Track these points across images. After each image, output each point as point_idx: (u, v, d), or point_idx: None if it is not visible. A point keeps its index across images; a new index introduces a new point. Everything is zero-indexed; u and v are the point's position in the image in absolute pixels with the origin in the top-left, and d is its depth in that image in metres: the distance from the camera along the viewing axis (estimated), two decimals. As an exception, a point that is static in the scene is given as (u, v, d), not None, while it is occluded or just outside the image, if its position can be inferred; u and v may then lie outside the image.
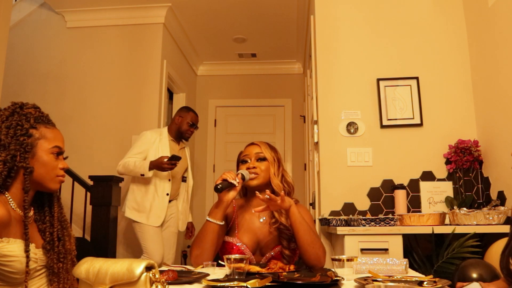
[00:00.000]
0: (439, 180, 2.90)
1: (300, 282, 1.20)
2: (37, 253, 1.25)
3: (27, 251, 1.18)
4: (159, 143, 3.30)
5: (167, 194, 3.25)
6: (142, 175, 3.17)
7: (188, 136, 3.44)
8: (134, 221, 3.27)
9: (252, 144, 1.87)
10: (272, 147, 1.87)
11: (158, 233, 3.25)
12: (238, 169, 1.84)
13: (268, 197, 1.59)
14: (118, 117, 4.22)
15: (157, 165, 3.10)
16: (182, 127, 3.40)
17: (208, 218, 1.66)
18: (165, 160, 3.07)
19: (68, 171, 3.60)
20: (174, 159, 3.06)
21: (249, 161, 1.80)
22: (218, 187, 1.63)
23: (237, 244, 1.72)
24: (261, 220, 1.78)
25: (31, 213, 1.31)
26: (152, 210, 3.21)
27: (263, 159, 1.80)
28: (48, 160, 1.26)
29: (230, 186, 1.65)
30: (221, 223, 1.66)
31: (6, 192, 1.23)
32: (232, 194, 1.66)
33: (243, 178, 1.72)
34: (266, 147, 1.84)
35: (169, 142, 3.36)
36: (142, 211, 3.25)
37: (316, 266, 1.64)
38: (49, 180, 1.27)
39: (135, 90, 4.28)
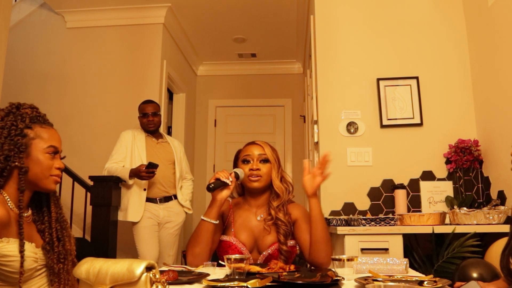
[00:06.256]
0: (439, 179, 2.90)
1: (300, 282, 1.20)
2: (37, 252, 1.24)
3: (21, 251, 1.18)
4: (133, 140, 3.35)
5: (145, 190, 3.26)
6: (125, 181, 3.25)
7: (151, 127, 3.37)
8: (131, 223, 3.28)
9: (254, 144, 1.84)
10: (272, 148, 1.85)
11: (151, 235, 3.24)
12: (235, 167, 1.82)
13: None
14: (118, 117, 4.22)
15: (135, 174, 3.16)
16: (140, 121, 3.42)
17: (202, 217, 1.66)
18: (143, 168, 3.10)
19: (68, 171, 3.60)
20: (151, 167, 3.09)
21: (251, 161, 1.78)
22: (210, 186, 1.63)
23: (234, 243, 1.71)
24: (258, 218, 1.77)
25: (29, 213, 1.30)
26: (129, 205, 3.25)
27: (266, 160, 1.78)
28: (43, 159, 1.26)
29: (223, 185, 1.65)
30: (215, 222, 1.66)
31: (4, 192, 1.23)
32: (225, 193, 1.66)
33: (236, 177, 1.71)
34: (269, 148, 1.82)
35: (145, 138, 3.39)
36: (123, 209, 3.33)
37: (322, 265, 1.63)
38: (44, 179, 1.26)
39: (135, 90, 4.28)
